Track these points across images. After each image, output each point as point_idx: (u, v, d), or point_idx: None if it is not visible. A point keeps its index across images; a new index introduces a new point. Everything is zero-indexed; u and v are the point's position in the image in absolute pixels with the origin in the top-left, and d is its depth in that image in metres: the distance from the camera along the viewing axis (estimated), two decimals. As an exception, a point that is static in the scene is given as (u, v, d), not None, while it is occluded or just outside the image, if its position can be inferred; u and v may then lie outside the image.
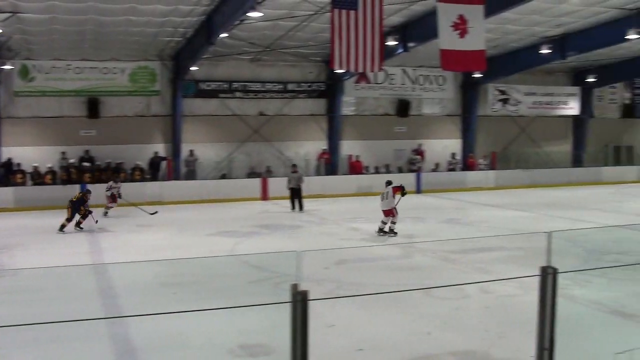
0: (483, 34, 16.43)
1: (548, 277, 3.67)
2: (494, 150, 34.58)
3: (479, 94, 33.74)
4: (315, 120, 31.25)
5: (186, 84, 28.69)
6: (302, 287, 4.09)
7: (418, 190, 30.07)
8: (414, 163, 32.04)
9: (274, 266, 12.43)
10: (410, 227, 19.57)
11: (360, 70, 16.93)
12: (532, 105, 35.35)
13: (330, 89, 30.97)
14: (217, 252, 15.21)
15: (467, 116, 33.99)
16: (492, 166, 33.97)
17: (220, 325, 8.90)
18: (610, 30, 24.56)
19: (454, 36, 15.84)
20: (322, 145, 31.23)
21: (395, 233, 17.39)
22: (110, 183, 22.86)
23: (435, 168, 32.67)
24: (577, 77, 36.33)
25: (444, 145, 33.80)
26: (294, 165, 25.85)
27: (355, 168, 30.98)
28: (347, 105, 31.73)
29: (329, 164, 30.66)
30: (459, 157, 33.68)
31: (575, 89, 36.32)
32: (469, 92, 33.68)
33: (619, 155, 37.58)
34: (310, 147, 31.08)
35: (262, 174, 29.13)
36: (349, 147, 31.65)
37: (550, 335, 3.77)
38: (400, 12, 22.13)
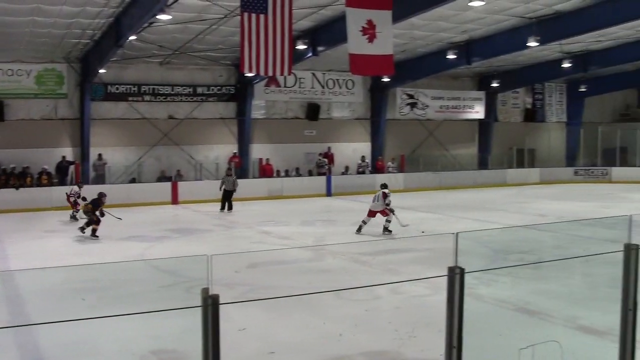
0: (391, 39, 16.65)
1: (455, 277, 3.75)
2: (402, 153, 35.19)
3: (388, 98, 34.26)
4: (226, 124, 31.05)
5: (94, 87, 28.00)
6: (213, 291, 4.06)
7: (328, 194, 30.30)
8: (323, 166, 32.25)
9: (185, 270, 12.26)
10: (321, 229, 19.72)
11: (270, 73, 16.88)
12: (439, 109, 36.14)
13: (240, 93, 30.81)
14: (127, 257, 14.88)
15: (376, 120, 34.45)
16: (401, 169, 34.55)
17: (132, 332, 8.72)
18: (512, 38, 25.36)
19: (363, 41, 15.99)
20: (233, 148, 31.03)
21: (391, 231, 17.89)
22: (74, 188, 22.25)
23: (345, 171, 32.97)
24: (482, 82, 37.42)
25: (354, 149, 34.16)
26: (229, 169, 26.64)
27: (266, 171, 30.97)
28: (257, 109, 31.66)
29: (240, 168, 30.51)
30: (368, 160, 34.06)
31: (480, 94, 37.38)
32: (378, 96, 34.14)
33: (522, 158, 38.82)
34: (220, 150, 30.86)
35: (172, 177, 28.77)
36: (259, 151, 31.59)
37: (458, 333, 3.85)
38: (309, 16, 22.24)
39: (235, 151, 30.93)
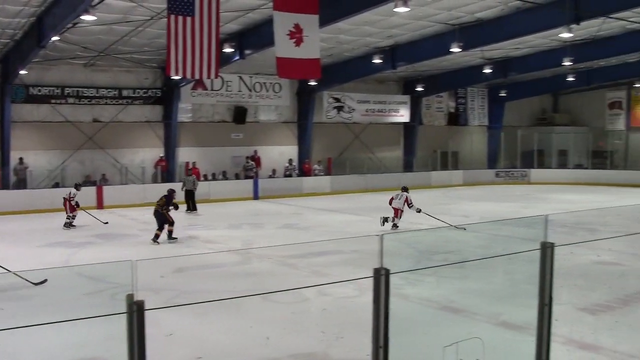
0: (318, 43, 16.78)
1: (381, 278, 3.86)
2: (329, 156, 35.48)
3: (315, 102, 34.46)
4: (152, 127, 30.68)
5: (15, 89, 27.16)
6: (139, 296, 4.06)
7: (255, 197, 30.28)
8: (249, 169, 32.22)
9: (109, 276, 12.07)
10: (249, 233, 19.71)
11: (197, 76, 16.78)
12: (365, 112, 36.53)
13: (166, 96, 30.48)
14: (49, 263, 14.55)
15: (302, 123, 34.60)
16: (327, 172, 34.81)
17: (55, 341, 8.56)
18: (436, 43, 25.90)
19: (290, 44, 16.06)
20: (159, 152, 30.70)
21: (397, 226, 19.34)
22: (72, 190, 21.49)
23: (272, 174, 33.01)
24: (407, 86, 38.03)
25: (281, 152, 34.23)
26: (189, 169, 27.60)
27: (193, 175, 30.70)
28: (184, 112, 31.38)
29: (166, 171, 30.21)
30: (295, 163, 34.18)
31: (405, 98, 37.96)
32: (305, 99, 34.31)
33: (446, 160, 39.62)
34: (146, 154, 30.48)
35: (97, 182, 28.25)
36: (186, 154, 31.31)
37: (385, 333, 3.96)
38: (237, 19, 22.21)
39: (161, 155, 30.61)
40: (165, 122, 30.78)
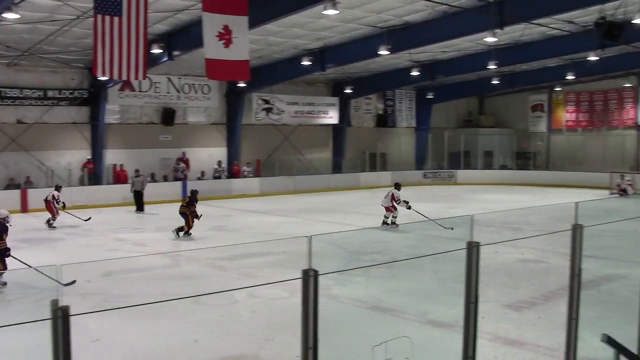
0: (247, 44, 16.74)
1: (310, 279, 3.88)
2: (258, 157, 35.38)
3: (244, 103, 34.33)
4: (78, 129, 29.99)
5: None
6: (65, 302, 3.98)
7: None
8: (179, 171, 31.90)
9: (34, 282, 11.81)
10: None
11: (124, 77, 16.54)
12: (294, 114, 36.60)
13: (93, 97, 29.83)
14: (-30, 269, 14.12)
15: (231, 125, 34.42)
16: (257, 173, 34.73)
17: (-23, 348, 8.35)
18: (365, 46, 26.11)
19: (219, 46, 15.99)
20: (86, 154, 30.05)
21: (397, 225, 19.71)
22: (54, 192, 21.14)
23: (201, 176, 32.75)
24: (335, 88, 38.25)
25: (210, 154, 33.97)
26: (137, 170, 27.27)
27: (120, 177, 30.22)
28: (111, 113, 30.80)
29: (93, 174, 29.63)
30: (224, 165, 33.99)
31: (334, 100, 38.18)
32: (234, 101, 34.13)
33: (375, 162, 40.00)
34: (73, 156, 29.78)
35: (21, 185, 27.50)
36: (113, 156, 30.77)
37: (314, 334, 3.98)
38: (165, 20, 21.95)
39: (88, 157, 29.98)
40: (92, 124, 30.14)
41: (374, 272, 12.67)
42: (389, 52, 24.71)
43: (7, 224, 13.02)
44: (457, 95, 42.80)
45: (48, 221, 21.15)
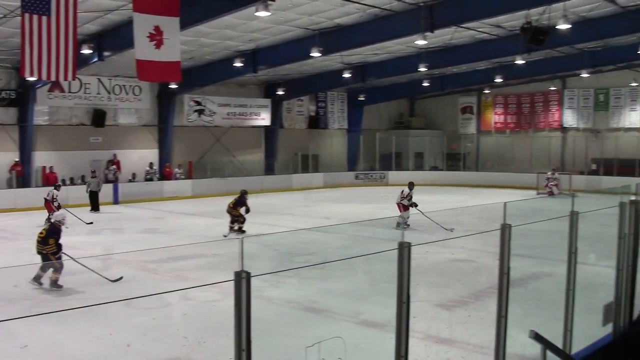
0: (178, 45, 16.56)
1: (242, 281, 3.88)
2: (190, 159, 35.08)
3: (175, 105, 33.96)
4: (6, 130, 29.06)
5: None
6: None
7: (115, 201, 29.53)
8: (110, 173, 31.39)
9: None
10: (109, 238, 19.21)
11: (53, 78, 16.14)
12: (226, 116, 36.40)
13: (21, 98, 28.95)
14: None
15: (163, 126, 34.02)
16: (188, 175, 34.43)
17: None
18: (297, 48, 26.15)
19: (150, 47, 15.77)
20: (14, 156, 29.17)
21: (407, 224, 19.74)
22: (54, 192, 20.96)
23: (133, 178, 32.26)
24: (268, 89, 38.22)
25: (141, 155, 33.49)
26: (93, 172, 27.80)
27: (50, 180, 29.49)
28: (40, 115, 29.98)
29: (22, 176, 28.85)
30: (156, 167, 33.58)
31: (267, 101, 38.14)
32: (165, 102, 33.74)
33: (307, 163, 40.09)
34: (0, 158, 28.94)
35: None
36: (42, 158, 29.99)
37: (247, 336, 3.98)
38: (95, 20, 21.53)
39: (16, 159, 29.12)
40: (21, 125, 29.28)
41: (307, 274, 12.72)
42: (320, 54, 24.80)
43: (63, 226, 13.39)
44: (388, 97, 43.32)
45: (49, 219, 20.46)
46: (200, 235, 19.36)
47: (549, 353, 5.93)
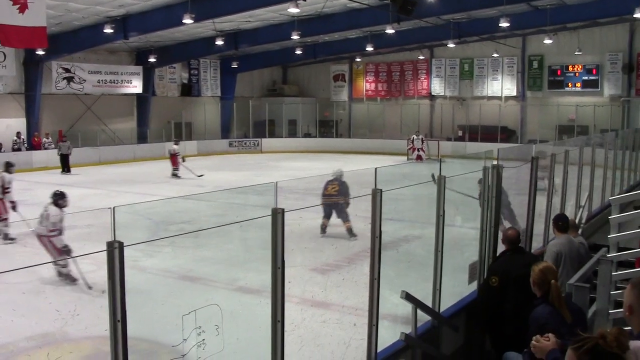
0: (44, 10, 15.99)
1: (115, 252, 3.89)
2: (60, 128, 33.89)
3: (43, 72, 32.56)
4: None
5: None
6: None
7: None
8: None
9: None
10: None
11: None
12: (97, 83, 35.28)
13: None
14: None
15: (30, 94, 32.57)
16: (58, 145, 33.31)
17: None
18: (169, 14, 25.70)
19: (13, 11, 15.12)
20: None
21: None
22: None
23: (0, 149, 30.94)
24: (139, 57, 37.35)
25: (7, 125, 31.98)
26: (64, 136, 30.49)
27: None
28: None
29: None
30: (24, 136, 32.25)
31: (138, 69, 37.24)
32: (32, 69, 32.26)
33: (180, 131, 39.56)
34: None
35: None
36: None
37: (122, 306, 3.99)
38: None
39: None
40: None
41: (182, 242, 12.72)
42: (192, 21, 24.43)
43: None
44: (261, 65, 43.31)
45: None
46: (72, 206, 18.81)
47: (419, 312, 6.28)
